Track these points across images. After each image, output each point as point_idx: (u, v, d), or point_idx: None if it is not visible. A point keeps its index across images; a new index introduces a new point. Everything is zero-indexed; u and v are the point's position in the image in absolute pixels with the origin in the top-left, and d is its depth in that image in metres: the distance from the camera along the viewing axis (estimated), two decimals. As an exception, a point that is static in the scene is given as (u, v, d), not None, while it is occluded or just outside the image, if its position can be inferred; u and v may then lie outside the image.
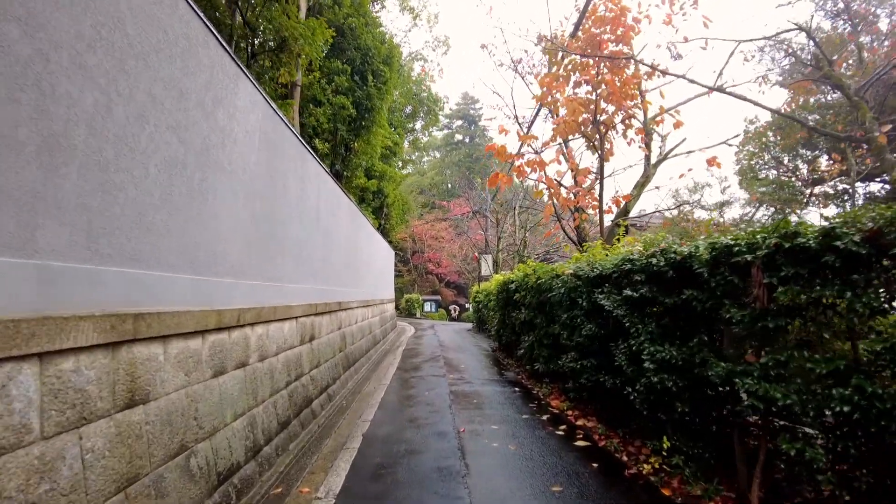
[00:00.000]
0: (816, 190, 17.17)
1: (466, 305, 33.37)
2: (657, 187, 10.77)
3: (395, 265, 36.61)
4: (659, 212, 13.44)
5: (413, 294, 34.08)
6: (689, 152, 10.13)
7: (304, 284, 5.93)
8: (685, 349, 3.42)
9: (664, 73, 6.45)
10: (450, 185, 49.06)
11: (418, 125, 21.86)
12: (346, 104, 10.12)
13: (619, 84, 6.42)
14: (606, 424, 5.03)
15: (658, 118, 7.46)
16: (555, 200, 7.96)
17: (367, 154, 12.24)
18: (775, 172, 17.05)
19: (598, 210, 8.46)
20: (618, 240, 8.31)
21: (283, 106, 8.57)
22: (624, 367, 4.20)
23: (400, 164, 21.73)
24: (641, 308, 3.99)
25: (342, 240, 8.45)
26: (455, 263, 34.47)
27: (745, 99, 6.59)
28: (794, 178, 16.49)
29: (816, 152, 16.86)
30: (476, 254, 22.98)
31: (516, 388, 7.13)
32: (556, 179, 8.95)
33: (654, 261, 3.65)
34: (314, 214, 6.49)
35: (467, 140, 51.64)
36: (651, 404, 3.88)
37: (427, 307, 35.34)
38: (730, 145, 10.41)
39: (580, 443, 4.66)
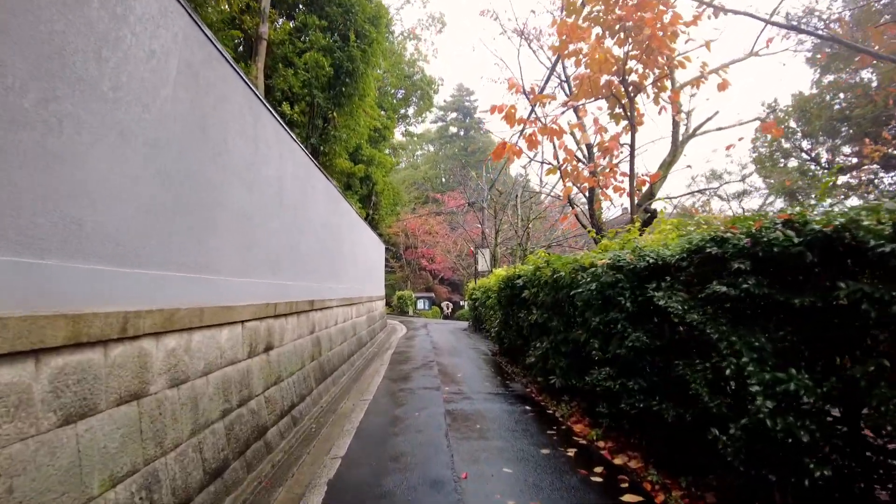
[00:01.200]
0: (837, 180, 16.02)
1: (461, 303, 32.06)
2: (689, 166, 9.45)
3: (387, 260, 35.19)
4: (669, 199, 12.14)
5: (405, 291, 32.69)
6: (721, 129, 8.88)
7: (256, 278, 4.55)
8: (834, 380, 2.10)
9: (720, 10, 5.10)
10: (444, 180, 47.67)
11: (411, 111, 20.41)
12: (321, 62, 8.62)
13: (658, 28, 5.10)
14: (660, 467, 3.71)
15: (701, 78, 6.18)
16: (569, 182, 6.64)
17: (349, 128, 10.77)
18: (795, 161, 15.87)
19: (620, 191, 7.15)
20: (646, 224, 7.03)
21: (225, 44, 7.02)
22: (703, 397, 2.88)
23: (389, 151, 20.26)
24: (739, 311, 2.66)
25: (318, 226, 7.06)
26: (449, 259, 33.11)
27: (821, 37, 5.29)
28: (816, 167, 15.31)
29: (838, 140, 15.72)
30: (472, 248, 21.59)
31: (527, 407, 5.81)
32: (575, 154, 7.63)
33: (776, 237, 2.32)
34: (274, 190, 5.11)
35: (462, 133, 50.24)
36: (753, 456, 2.56)
37: (420, 305, 33.96)
38: (763, 121, 9.17)
39: (629, 497, 3.34)
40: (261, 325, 4.58)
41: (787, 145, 15.63)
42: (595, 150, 7.80)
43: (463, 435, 4.68)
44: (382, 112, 16.62)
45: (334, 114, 9.98)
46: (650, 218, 7.14)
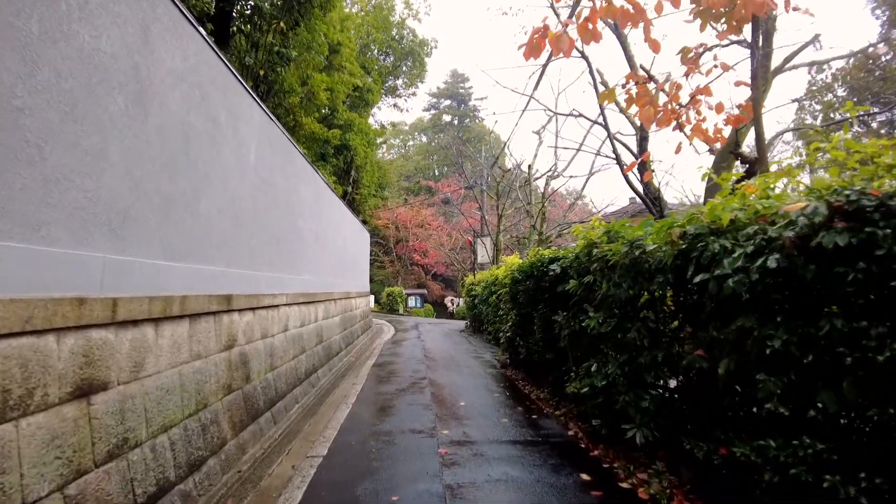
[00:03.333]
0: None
1: (457, 300, 29.70)
2: (796, 100, 7.12)
3: (376, 255, 32.64)
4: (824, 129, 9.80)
5: (395, 287, 30.23)
6: (815, 63, 6.60)
7: (44, 244, 2.13)
8: None
9: None
10: (437, 172, 45.27)
11: (400, 82, 17.95)
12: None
13: None
14: None
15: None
16: (633, 109, 4.33)
17: (304, 47, 8.07)
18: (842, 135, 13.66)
19: (702, 134, 4.83)
20: (748, 175, 4.72)
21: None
22: None
23: (374, 121, 17.71)
24: None
25: (249, 181, 4.65)
26: (443, 254, 30.69)
27: None
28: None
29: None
30: (470, 238, 19.18)
31: (584, 476, 3.44)
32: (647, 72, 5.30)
33: None
34: (119, 80, 2.67)
35: (456, 122, 47.82)
36: None
37: (411, 302, 31.52)
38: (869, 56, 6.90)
39: None
40: (59, 343, 2.15)
41: (836, 116, 13.43)
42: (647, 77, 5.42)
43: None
44: (369, 78, 14.15)
45: (282, 24, 7.40)
46: (750, 170, 4.81)
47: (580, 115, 7.45)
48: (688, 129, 4.85)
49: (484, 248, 15.51)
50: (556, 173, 13.33)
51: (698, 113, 4.76)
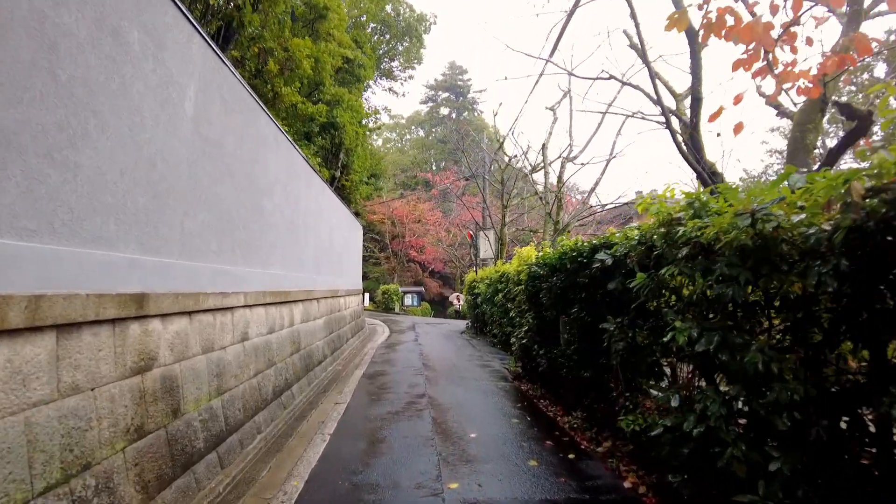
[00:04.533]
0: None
1: (463, 299, 28.46)
2: (827, 82, 5.27)
3: (372, 251, 31.40)
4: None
5: (391, 284, 28.96)
6: (905, 11, 5.38)
7: None
8: None
9: None
10: (435, 167, 44.00)
11: (395, 64, 16.68)
12: None
13: None
14: None
15: None
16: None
17: None
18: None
19: (791, 79, 3.63)
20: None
21: None
22: None
23: (369, 107, 16.37)
24: None
25: (189, 141, 3.42)
26: (441, 250, 29.44)
27: None
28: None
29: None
30: (470, 232, 17.91)
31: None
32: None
33: None
34: None
35: (454, 115, 46.46)
36: None
37: (408, 300, 30.25)
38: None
39: None
40: None
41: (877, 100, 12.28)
42: None
43: None
44: (361, 52, 12.87)
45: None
46: (861, 126, 3.62)
47: (611, 76, 6.22)
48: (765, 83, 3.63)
49: (487, 241, 14.31)
50: (571, 154, 12.10)
51: (793, 50, 3.56)
